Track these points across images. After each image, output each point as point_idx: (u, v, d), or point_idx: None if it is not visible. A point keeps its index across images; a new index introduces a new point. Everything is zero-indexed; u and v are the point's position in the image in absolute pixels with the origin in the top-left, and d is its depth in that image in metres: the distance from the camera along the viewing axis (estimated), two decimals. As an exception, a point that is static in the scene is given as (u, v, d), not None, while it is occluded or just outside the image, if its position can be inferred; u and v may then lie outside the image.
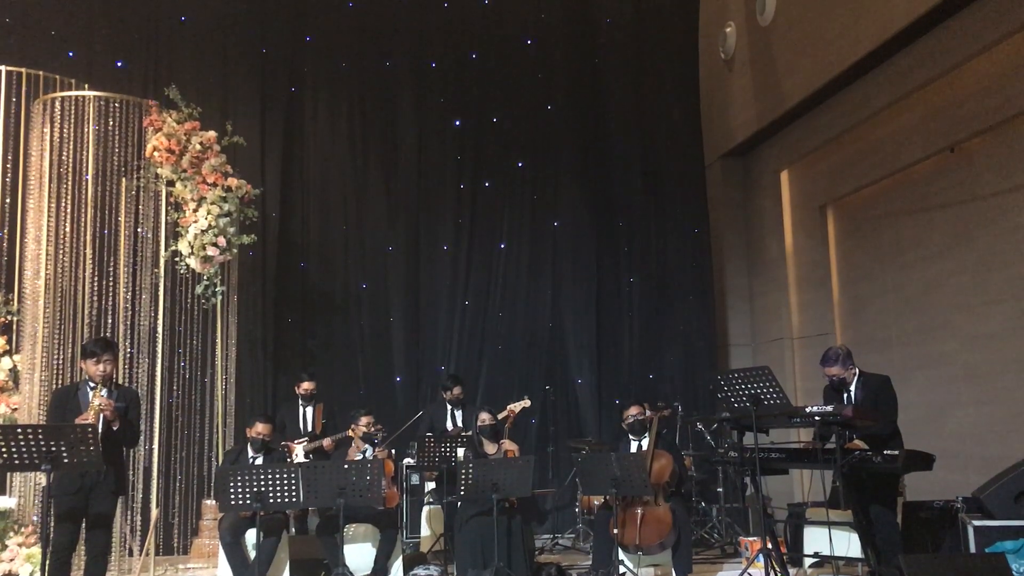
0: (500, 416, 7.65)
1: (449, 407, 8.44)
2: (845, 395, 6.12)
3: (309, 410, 8.12)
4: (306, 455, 7.71)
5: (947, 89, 8.12)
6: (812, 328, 10.20)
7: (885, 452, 5.65)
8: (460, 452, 7.34)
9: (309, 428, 8.07)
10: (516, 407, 8.35)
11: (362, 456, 6.95)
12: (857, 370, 6.18)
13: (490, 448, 7.09)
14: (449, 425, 8.34)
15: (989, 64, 7.66)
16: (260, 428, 6.79)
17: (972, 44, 7.55)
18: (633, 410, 7.00)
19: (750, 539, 7.59)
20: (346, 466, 6.06)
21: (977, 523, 6.19)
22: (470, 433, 7.53)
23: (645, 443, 6.79)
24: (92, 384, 5.45)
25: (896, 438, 5.93)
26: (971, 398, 8.05)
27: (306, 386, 8.12)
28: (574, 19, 10.72)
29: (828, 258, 10.16)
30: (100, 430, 5.26)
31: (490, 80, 10.40)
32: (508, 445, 7.26)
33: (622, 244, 10.56)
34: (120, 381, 6.77)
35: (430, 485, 8.25)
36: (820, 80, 9.10)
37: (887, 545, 5.75)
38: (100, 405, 5.31)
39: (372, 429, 7.10)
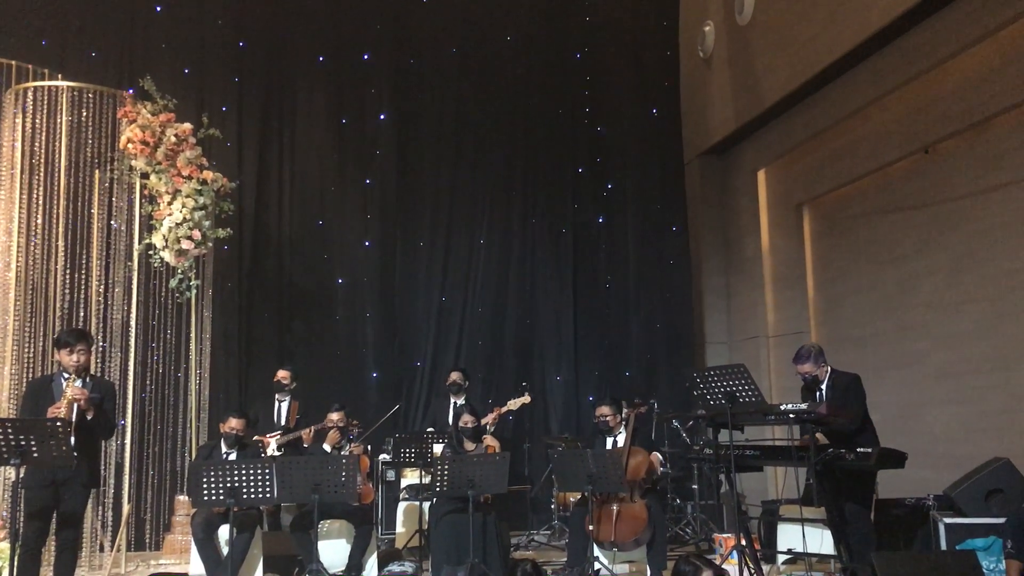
0: (484, 422, 7.67)
1: (452, 400, 8.40)
2: (817, 393, 6.15)
3: (284, 404, 8.06)
4: (279, 448, 7.64)
5: (922, 90, 8.19)
6: (788, 326, 10.26)
7: (858, 450, 5.69)
8: (437, 449, 7.33)
9: (283, 422, 8.00)
10: (515, 403, 8.35)
11: (337, 450, 6.92)
12: (829, 368, 6.22)
13: (469, 447, 7.06)
14: (451, 419, 8.30)
15: (964, 66, 7.74)
16: (233, 423, 6.73)
17: (947, 46, 7.62)
18: (604, 410, 7.00)
19: (724, 536, 7.63)
20: (321, 460, 6.02)
21: (948, 520, 6.25)
22: (449, 430, 7.51)
23: (620, 440, 6.80)
24: (66, 375, 5.40)
25: (863, 435, 5.95)
26: (944, 397, 8.13)
27: (281, 374, 7.99)
28: (554, 16, 10.71)
29: (804, 257, 10.22)
30: (74, 420, 5.21)
31: (470, 75, 10.37)
32: (489, 441, 7.26)
33: (600, 241, 10.57)
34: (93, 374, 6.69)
35: (405, 481, 8.24)
36: (797, 80, 9.15)
37: (860, 542, 5.79)
38: (74, 395, 5.25)
39: (346, 423, 7.07)
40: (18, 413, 6.43)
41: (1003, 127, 7.55)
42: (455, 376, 8.50)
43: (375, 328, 9.79)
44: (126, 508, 7.52)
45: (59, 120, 7.65)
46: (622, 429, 6.91)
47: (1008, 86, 7.28)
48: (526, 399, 8.42)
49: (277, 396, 8.04)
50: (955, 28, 7.53)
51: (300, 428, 7.79)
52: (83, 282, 7.70)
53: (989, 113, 7.51)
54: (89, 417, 5.36)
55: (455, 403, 8.33)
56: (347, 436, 7.03)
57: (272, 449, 7.62)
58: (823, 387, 6.15)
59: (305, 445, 7.49)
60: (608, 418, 6.93)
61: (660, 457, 7.19)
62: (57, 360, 5.59)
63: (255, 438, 7.76)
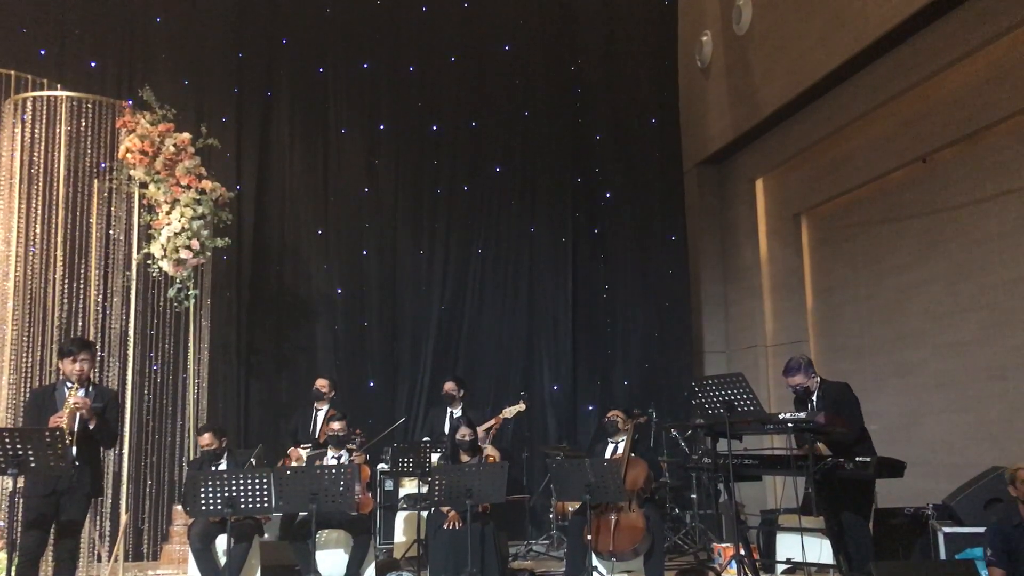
0: (481, 429, 7.65)
1: (449, 411, 8.39)
2: (809, 404, 6.13)
3: (320, 414, 8.06)
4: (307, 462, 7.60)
5: (920, 100, 8.21)
6: (786, 336, 10.26)
7: (857, 459, 5.68)
8: (435, 458, 7.32)
9: (316, 435, 7.98)
10: (511, 411, 8.34)
11: (336, 460, 6.91)
12: (819, 378, 6.21)
13: (465, 459, 7.04)
14: (447, 429, 8.29)
15: (961, 76, 7.76)
16: (204, 439, 6.75)
17: (944, 56, 7.64)
18: (617, 412, 7.04)
19: (723, 545, 7.61)
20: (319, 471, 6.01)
21: (947, 530, 6.25)
22: (446, 441, 7.50)
23: (620, 448, 6.79)
24: (69, 384, 5.40)
25: (863, 443, 5.94)
26: (942, 406, 8.13)
27: (320, 383, 8.12)
28: (552, 25, 10.74)
29: (802, 266, 10.23)
30: (76, 429, 5.21)
31: (468, 85, 10.39)
32: (490, 451, 7.25)
33: (598, 250, 10.57)
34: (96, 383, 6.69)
35: (404, 490, 8.22)
36: (795, 90, 9.18)
37: (858, 552, 5.78)
38: (76, 403, 5.25)
39: (347, 432, 7.06)
40: (22, 422, 6.42)
41: (1000, 137, 7.57)
42: (448, 387, 8.49)
43: (374, 337, 9.78)
44: (124, 518, 7.50)
45: (58, 130, 7.66)
46: (624, 437, 6.90)
47: (1005, 96, 7.30)
48: (521, 407, 8.41)
49: (316, 404, 8.05)
50: (952, 39, 7.55)
51: (330, 439, 7.71)
52: (81, 292, 7.70)
53: (986, 123, 7.53)
54: (91, 426, 5.36)
55: (451, 414, 8.32)
56: (345, 444, 7.02)
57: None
58: (814, 398, 6.14)
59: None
60: (619, 420, 6.96)
61: None
62: (59, 369, 5.59)
63: (289, 450, 7.77)
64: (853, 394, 6.11)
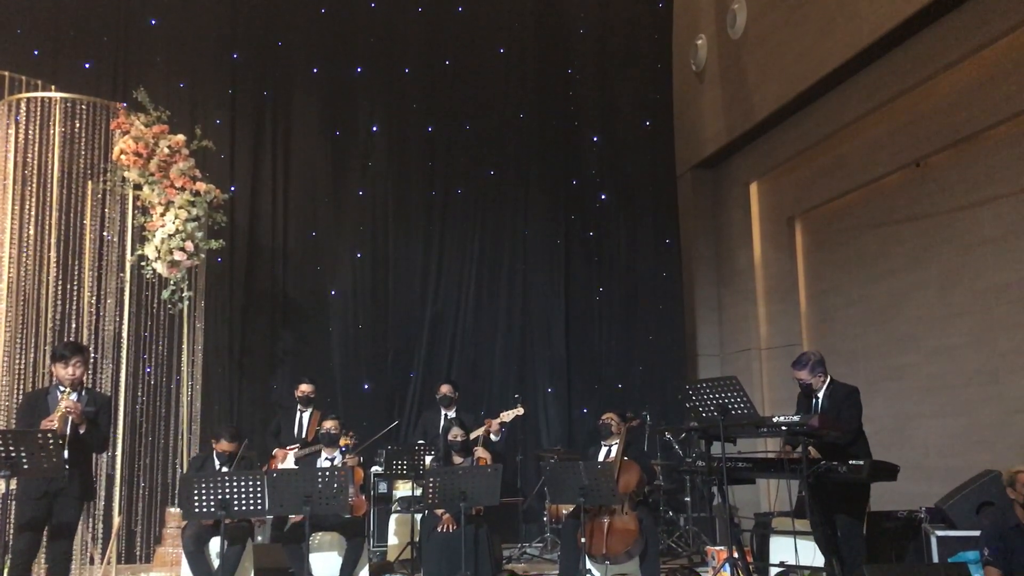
0: (474, 435, 7.66)
1: (443, 412, 8.38)
2: (814, 401, 6.15)
3: (306, 415, 8.04)
4: (296, 462, 7.59)
5: (913, 105, 8.24)
6: (780, 339, 10.28)
7: (851, 462, 5.68)
8: (430, 460, 7.32)
9: (303, 435, 7.97)
10: (509, 415, 8.34)
11: (330, 462, 6.90)
12: (828, 378, 6.21)
13: (458, 461, 7.04)
14: (441, 433, 8.29)
15: (954, 81, 7.79)
16: (225, 446, 6.71)
17: (938, 61, 7.67)
18: (611, 415, 7.06)
19: (717, 548, 7.62)
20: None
21: (940, 533, 6.27)
22: (439, 443, 7.50)
23: (613, 451, 6.80)
24: (62, 388, 5.38)
25: (858, 445, 5.94)
26: (934, 410, 8.16)
27: (304, 388, 8.05)
28: (547, 29, 10.76)
29: (796, 270, 10.25)
30: (68, 434, 5.19)
31: (463, 87, 10.40)
32: (480, 453, 7.24)
33: (593, 253, 10.59)
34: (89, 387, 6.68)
35: (398, 493, 8.22)
36: (789, 94, 9.20)
37: (851, 555, 5.78)
38: (67, 408, 5.23)
39: (339, 431, 7.06)
40: (14, 425, 6.40)
41: (993, 141, 7.60)
42: (445, 389, 8.49)
43: (368, 339, 9.77)
44: (117, 520, 7.48)
45: (52, 131, 7.64)
46: (617, 440, 6.91)
47: (998, 101, 7.34)
48: (519, 410, 8.41)
49: (299, 407, 8.04)
50: (945, 43, 7.58)
51: (319, 439, 7.71)
52: (75, 293, 7.68)
53: (979, 128, 7.56)
54: (82, 431, 5.33)
55: (446, 415, 8.33)
56: (335, 442, 7.03)
57: (290, 462, 7.57)
58: (819, 396, 6.15)
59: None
60: (612, 423, 6.98)
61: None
62: (52, 372, 5.58)
63: (275, 451, 7.75)
64: (859, 399, 6.09)
